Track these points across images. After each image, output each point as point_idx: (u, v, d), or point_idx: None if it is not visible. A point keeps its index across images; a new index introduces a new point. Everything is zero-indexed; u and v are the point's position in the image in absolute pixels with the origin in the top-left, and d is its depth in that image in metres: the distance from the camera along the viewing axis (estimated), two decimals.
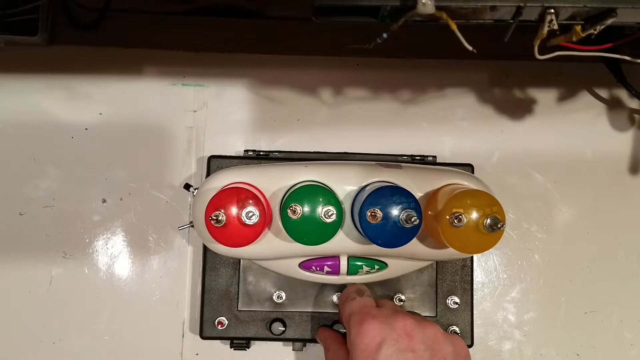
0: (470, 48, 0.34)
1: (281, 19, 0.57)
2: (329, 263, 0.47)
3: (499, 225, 0.39)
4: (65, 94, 0.55)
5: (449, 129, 0.56)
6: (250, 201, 0.41)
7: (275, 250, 0.46)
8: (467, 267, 0.51)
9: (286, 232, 0.42)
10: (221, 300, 0.50)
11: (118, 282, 0.53)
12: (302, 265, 0.47)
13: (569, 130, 0.56)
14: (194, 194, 0.48)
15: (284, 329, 0.50)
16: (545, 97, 0.56)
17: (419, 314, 0.48)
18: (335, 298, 0.50)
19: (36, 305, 0.52)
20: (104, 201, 0.54)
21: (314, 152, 0.53)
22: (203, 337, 0.50)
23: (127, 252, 0.53)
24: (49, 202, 0.53)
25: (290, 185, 0.44)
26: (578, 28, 0.36)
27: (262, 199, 0.42)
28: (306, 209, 0.41)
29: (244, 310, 0.50)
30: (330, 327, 0.49)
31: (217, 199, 0.41)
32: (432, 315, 0.50)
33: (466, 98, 0.56)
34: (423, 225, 0.42)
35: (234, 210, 0.41)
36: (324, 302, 0.50)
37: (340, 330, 0.49)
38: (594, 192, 0.55)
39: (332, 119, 0.55)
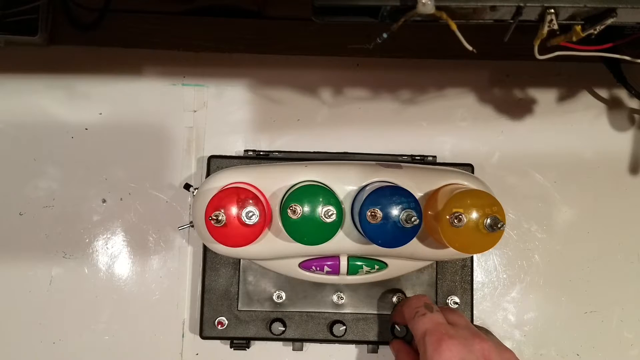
0: (470, 48, 0.34)
1: (281, 19, 0.57)
2: (329, 263, 0.47)
3: (499, 225, 0.39)
4: (65, 94, 0.55)
5: (449, 129, 0.56)
6: (250, 201, 0.41)
7: (275, 250, 0.46)
8: (467, 267, 0.51)
9: (286, 232, 0.42)
10: (221, 300, 0.50)
11: (118, 282, 0.53)
12: (302, 265, 0.47)
13: (569, 130, 0.56)
14: (194, 194, 0.48)
15: (284, 329, 0.50)
16: (545, 97, 0.56)
17: (491, 332, 0.48)
18: (335, 298, 0.50)
19: (36, 305, 0.52)
20: (104, 201, 0.54)
21: (314, 152, 0.53)
22: (203, 337, 0.50)
23: (127, 252, 0.53)
24: (49, 202, 0.53)
25: (290, 185, 0.44)
26: (578, 28, 0.36)
27: (262, 199, 0.42)
28: (306, 209, 0.41)
29: (244, 310, 0.50)
30: (331, 327, 0.50)
31: (217, 199, 0.41)
32: None
33: (466, 98, 0.56)
34: (423, 225, 0.42)
35: (234, 210, 0.41)
36: (324, 302, 0.50)
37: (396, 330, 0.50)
38: (594, 192, 0.55)
39: (332, 119, 0.55)
